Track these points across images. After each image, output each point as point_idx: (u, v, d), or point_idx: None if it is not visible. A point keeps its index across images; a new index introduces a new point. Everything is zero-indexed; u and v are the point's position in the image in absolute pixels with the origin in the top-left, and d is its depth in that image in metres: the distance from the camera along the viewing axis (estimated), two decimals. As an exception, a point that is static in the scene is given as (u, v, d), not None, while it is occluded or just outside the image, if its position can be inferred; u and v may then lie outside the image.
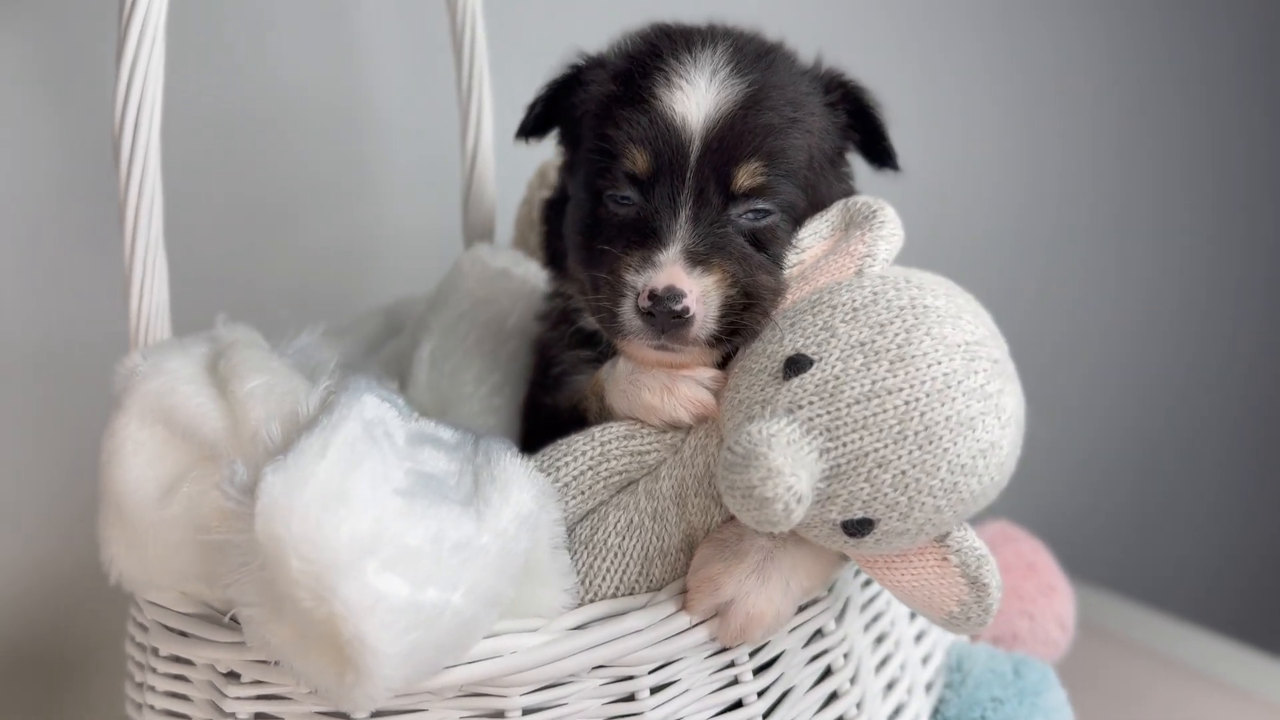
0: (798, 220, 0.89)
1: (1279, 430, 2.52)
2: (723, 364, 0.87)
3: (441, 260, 1.18)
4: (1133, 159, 2.21)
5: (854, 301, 0.80)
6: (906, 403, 0.74)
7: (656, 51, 0.89)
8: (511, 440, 0.87)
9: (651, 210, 0.86)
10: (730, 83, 0.86)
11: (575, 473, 0.86)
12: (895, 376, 0.75)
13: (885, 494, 0.74)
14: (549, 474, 0.85)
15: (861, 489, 0.74)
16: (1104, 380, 2.26)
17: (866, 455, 0.74)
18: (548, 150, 1.05)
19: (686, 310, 0.82)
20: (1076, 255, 2.18)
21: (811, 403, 0.76)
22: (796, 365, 0.78)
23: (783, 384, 0.78)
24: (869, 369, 0.75)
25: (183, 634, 0.84)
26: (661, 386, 0.85)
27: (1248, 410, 2.49)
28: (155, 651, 0.88)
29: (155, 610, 0.86)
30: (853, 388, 0.75)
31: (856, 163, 0.98)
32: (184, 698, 0.87)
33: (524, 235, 1.28)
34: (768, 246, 0.87)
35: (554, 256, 1.01)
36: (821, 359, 0.77)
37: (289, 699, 0.80)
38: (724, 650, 0.83)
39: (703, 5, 0.99)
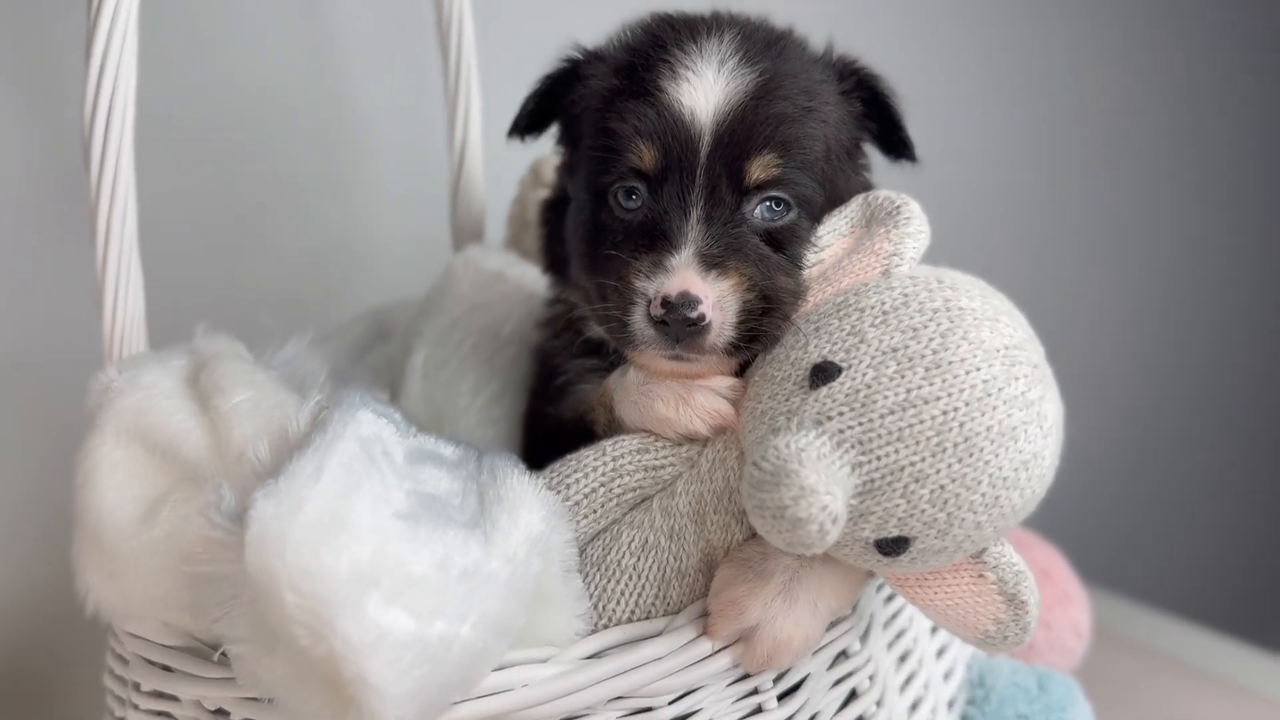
0: (815, 217, 0.84)
1: (1270, 425, 2.53)
2: (739, 372, 0.82)
3: (430, 263, 1.14)
4: (1122, 154, 2.20)
5: (883, 304, 0.75)
6: (944, 412, 0.69)
7: (660, 42, 0.84)
8: (513, 454, 0.83)
9: (660, 211, 0.81)
10: (740, 72, 0.81)
11: (586, 490, 0.81)
12: (931, 385, 0.70)
13: (922, 510, 0.70)
14: (558, 492, 0.80)
15: (897, 505, 0.70)
16: (1094, 377, 2.24)
17: (902, 469, 0.69)
18: (540, 147, 1.00)
19: (702, 317, 0.77)
20: (1066, 252, 2.16)
21: (842, 413, 0.71)
22: (824, 373, 0.73)
23: (809, 393, 0.73)
24: (903, 377, 0.71)
25: (166, 668, 0.79)
26: (676, 397, 0.80)
27: (1239, 406, 2.49)
28: (137, 687, 0.83)
29: (136, 642, 0.82)
30: (886, 397, 0.70)
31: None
32: (168, 736, 0.82)
33: (517, 235, 1.23)
34: (786, 246, 0.82)
35: (554, 261, 0.96)
36: (851, 366, 0.72)
37: (282, 738, 0.75)
38: (747, 677, 0.79)
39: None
